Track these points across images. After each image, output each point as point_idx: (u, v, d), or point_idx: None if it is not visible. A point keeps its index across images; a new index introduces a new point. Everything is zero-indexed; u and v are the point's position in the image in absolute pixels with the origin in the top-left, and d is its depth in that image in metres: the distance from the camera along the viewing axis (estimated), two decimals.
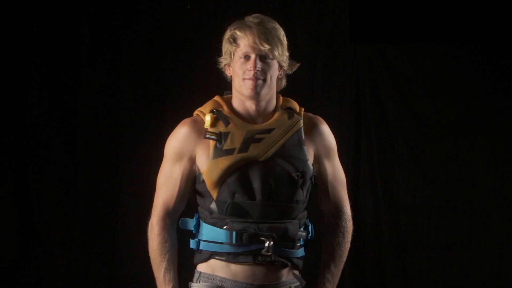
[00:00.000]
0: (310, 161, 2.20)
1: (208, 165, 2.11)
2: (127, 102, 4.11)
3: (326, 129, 2.27)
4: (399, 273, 3.96)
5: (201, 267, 2.18)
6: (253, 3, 3.85)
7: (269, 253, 2.11)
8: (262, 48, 2.12)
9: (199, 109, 2.21)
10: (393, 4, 3.73)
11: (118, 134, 4.12)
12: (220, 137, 2.11)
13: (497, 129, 3.90)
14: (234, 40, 2.15)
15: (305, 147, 2.18)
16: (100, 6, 4.04)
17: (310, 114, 2.26)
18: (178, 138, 2.17)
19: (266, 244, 2.10)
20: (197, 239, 2.17)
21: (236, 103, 2.20)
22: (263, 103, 2.18)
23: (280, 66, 2.18)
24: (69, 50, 4.04)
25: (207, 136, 2.12)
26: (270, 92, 2.17)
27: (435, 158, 3.95)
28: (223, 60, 2.21)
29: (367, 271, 3.98)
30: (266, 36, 2.12)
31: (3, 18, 3.95)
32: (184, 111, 4.09)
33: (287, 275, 2.18)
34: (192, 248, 2.20)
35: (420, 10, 3.71)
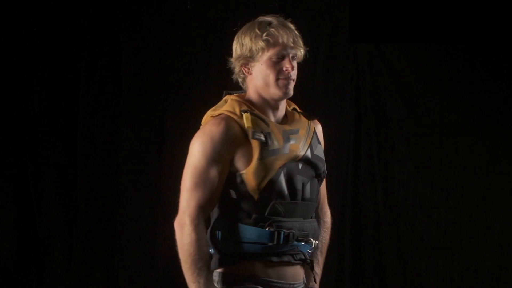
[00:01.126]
0: None
1: (254, 165, 2.06)
2: (127, 102, 4.11)
3: (321, 130, 2.30)
4: (399, 273, 3.96)
5: (237, 270, 2.11)
6: (253, 3, 3.85)
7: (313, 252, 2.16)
8: (296, 48, 2.13)
9: (224, 109, 2.12)
10: (393, 4, 3.73)
11: (118, 135, 4.12)
12: (266, 137, 2.08)
13: (497, 129, 3.90)
14: (269, 39, 2.10)
15: (321, 147, 2.21)
16: (100, 7, 4.04)
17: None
18: (217, 138, 2.06)
19: (314, 242, 2.14)
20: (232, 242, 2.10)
21: (258, 103, 2.16)
22: (283, 104, 2.19)
23: None
24: (69, 50, 4.05)
25: (256, 136, 2.07)
26: None
27: (435, 158, 3.95)
28: (242, 60, 2.14)
29: (367, 271, 3.98)
30: (297, 37, 2.14)
31: (3, 18, 3.95)
32: (184, 110, 4.10)
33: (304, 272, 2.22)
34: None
35: (420, 10, 3.71)
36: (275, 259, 2.10)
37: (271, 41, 2.09)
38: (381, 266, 3.98)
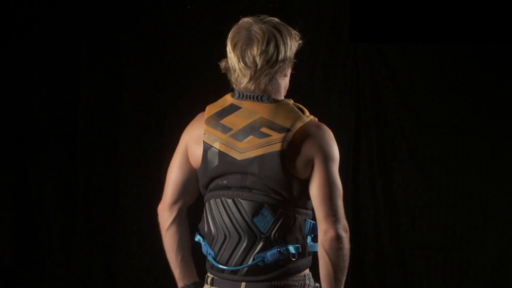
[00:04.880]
0: None
1: None
2: (127, 102, 4.11)
3: None
4: (399, 273, 3.96)
5: (307, 270, 2.14)
6: (253, 3, 3.85)
7: None
8: None
9: (308, 114, 2.12)
10: (393, 4, 3.73)
11: (118, 135, 4.12)
12: None
13: (497, 129, 3.90)
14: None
15: None
16: (100, 6, 4.04)
17: None
18: None
19: None
20: (312, 243, 2.12)
21: None
22: None
23: None
24: (69, 50, 4.05)
25: None
26: None
27: (435, 158, 3.95)
28: (290, 62, 2.13)
29: (367, 271, 3.98)
30: None
31: (3, 18, 3.95)
32: (183, 110, 4.10)
33: None
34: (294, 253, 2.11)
35: (420, 10, 3.71)
36: None
37: None
38: (381, 266, 3.98)
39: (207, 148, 2.08)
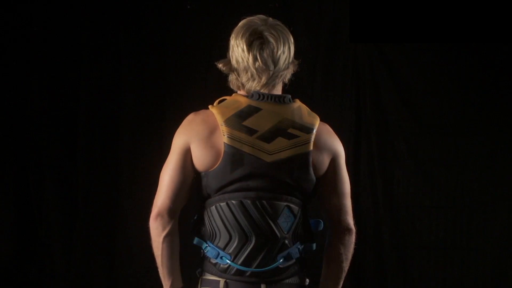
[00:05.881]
0: None
1: None
2: (127, 102, 4.11)
3: None
4: (399, 273, 3.96)
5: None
6: (253, 3, 3.85)
7: None
8: None
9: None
10: (393, 4, 3.73)
11: (118, 134, 4.12)
12: None
13: (496, 129, 3.91)
14: None
15: None
16: (100, 6, 4.04)
17: None
18: None
19: None
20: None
21: None
22: None
23: None
24: (69, 50, 4.05)
25: None
26: None
27: (435, 158, 3.95)
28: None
29: (367, 271, 3.99)
30: None
31: (3, 18, 3.95)
32: (184, 110, 4.10)
33: None
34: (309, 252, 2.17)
35: (420, 10, 3.72)
36: None
37: None
38: (381, 266, 3.98)
39: (230, 150, 2.01)
